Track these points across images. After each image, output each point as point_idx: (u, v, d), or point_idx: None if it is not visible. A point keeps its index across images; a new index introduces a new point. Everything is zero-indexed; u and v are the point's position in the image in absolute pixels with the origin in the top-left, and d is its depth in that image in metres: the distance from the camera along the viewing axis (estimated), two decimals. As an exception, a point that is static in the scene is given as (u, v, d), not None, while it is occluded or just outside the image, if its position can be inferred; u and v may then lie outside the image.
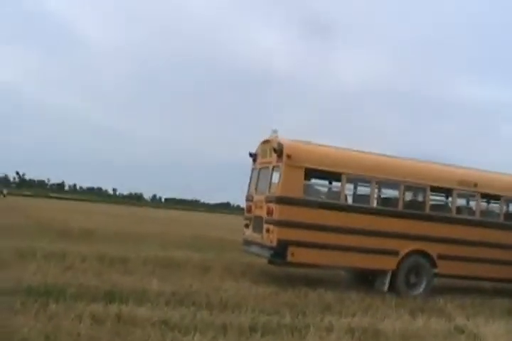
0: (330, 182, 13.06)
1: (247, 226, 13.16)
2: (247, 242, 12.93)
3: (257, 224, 12.34)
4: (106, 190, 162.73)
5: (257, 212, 12.43)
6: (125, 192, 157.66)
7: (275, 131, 12.31)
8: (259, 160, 13.17)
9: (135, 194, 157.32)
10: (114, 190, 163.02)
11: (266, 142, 12.72)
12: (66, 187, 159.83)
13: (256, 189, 13.07)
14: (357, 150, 12.60)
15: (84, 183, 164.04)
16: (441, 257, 12.30)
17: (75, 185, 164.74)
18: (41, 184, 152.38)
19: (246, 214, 13.35)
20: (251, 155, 13.51)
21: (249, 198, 13.30)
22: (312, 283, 11.32)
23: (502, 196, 13.49)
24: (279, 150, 11.57)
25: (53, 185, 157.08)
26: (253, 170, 13.47)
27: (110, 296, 8.02)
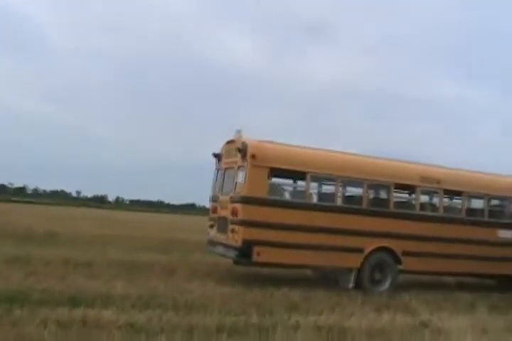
0: (295, 182, 13.14)
1: (211, 226, 13.18)
2: (212, 243, 12.94)
3: (221, 224, 12.36)
4: (69, 193, 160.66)
5: (222, 213, 12.45)
6: (89, 195, 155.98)
7: (239, 131, 12.36)
8: (223, 160, 13.20)
9: (99, 196, 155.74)
10: (78, 192, 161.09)
11: (230, 142, 12.76)
12: (29, 191, 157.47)
13: (221, 189, 13.09)
14: (321, 149, 12.70)
15: (47, 186, 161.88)
16: (405, 254, 12.49)
17: (37, 188, 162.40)
18: (2, 188, 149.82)
19: (211, 215, 13.36)
20: (215, 155, 13.54)
21: (214, 199, 13.31)
22: (278, 282, 11.37)
23: (464, 192, 13.75)
24: (243, 150, 11.60)
25: (15, 188, 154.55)
26: (218, 170, 13.49)
27: (75, 300, 7.97)
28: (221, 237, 12.27)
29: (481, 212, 14.11)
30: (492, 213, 14.14)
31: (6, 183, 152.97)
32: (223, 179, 13.11)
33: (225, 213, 12.12)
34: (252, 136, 12.16)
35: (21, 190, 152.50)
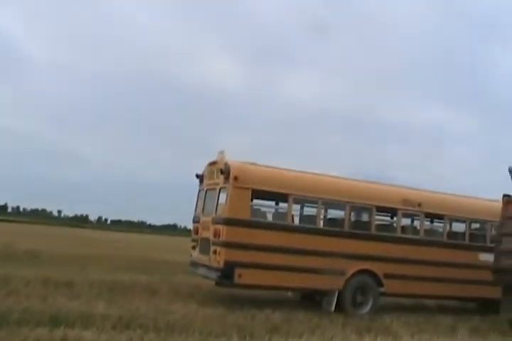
0: (277, 203, 13.18)
1: (194, 248, 13.18)
2: (195, 264, 12.93)
3: (204, 245, 12.37)
4: (51, 212, 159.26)
5: (204, 234, 12.46)
6: (70, 214, 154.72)
7: (222, 152, 12.44)
8: (206, 181, 13.24)
9: (80, 216, 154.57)
10: (59, 211, 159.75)
11: (213, 163, 12.83)
12: (9, 209, 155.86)
13: (203, 210, 13.10)
14: (303, 172, 12.77)
15: (28, 205, 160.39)
16: (387, 276, 12.55)
17: (18, 207, 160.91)
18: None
19: (193, 236, 13.37)
20: (197, 176, 13.59)
21: (196, 220, 13.34)
22: (260, 304, 11.40)
23: (445, 215, 13.90)
24: (226, 172, 11.65)
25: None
26: (200, 191, 13.53)
27: (55, 320, 7.94)
28: (203, 258, 12.25)
29: (461, 235, 14.23)
30: (473, 236, 14.26)
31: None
32: (205, 200, 13.11)
33: (207, 234, 12.13)
34: (234, 158, 12.22)
35: (2, 209, 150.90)
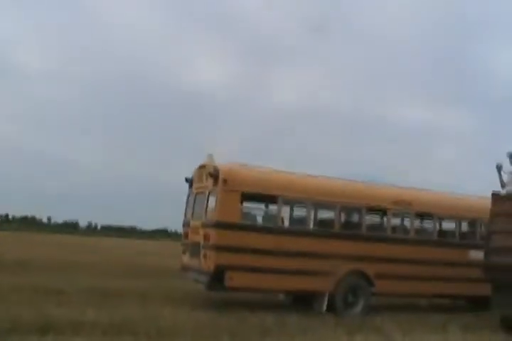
0: (266, 206, 13.23)
1: (184, 252, 13.20)
2: (185, 268, 12.97)
3: (194, 249, 12.39)
4: (40, 219, 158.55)
5: (194, 238, 12.48)
6: (60, 221, 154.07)
7: (211, 156, 12.46)
8: (195, 185, 13.27)
9: (70, 222, 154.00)
10: (49, 218, 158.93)
11: (202, 167, 12.86)
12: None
13: (192, 214, 13.13)
14: (292, 173, 12.86)
15: (17, 212, 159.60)
16: (378, 276, 12.62)
17: (7, 215, 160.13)
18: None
19: (183, 240, 13.41)
20: (187, 180, 13.62)
21: (185, 224, 13.36)
22: (252, 307, 11.36)
23: (435, 214, 13.99)
24: (214, 175, 11.71)
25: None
26: (189, 195, 13.56)
27: (45, 328, 7.93)
28: (194, 263, 12.29)
29: (452, 233, 14.32)
30: (463, 234, 14.37)
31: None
32: (194, 204, 13.16)
33: (197, 238, 12.16)
34: (223, 160, 12.32)
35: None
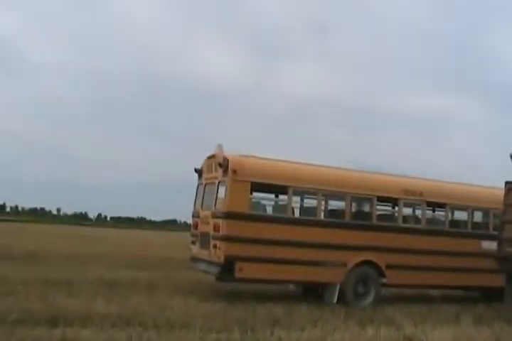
0: (276, 196, 13.24)
1: (194, 243, 13.21)
2: (195, 259, 12.99)
3: (203, 240, 12.42)
4: (50, 211, 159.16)
5: (204, 228, 12.49)
6: (69, 212, 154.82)
7: (220, 146, 12.44)
8: (204, 175, 13.28)
9: (80, 213, 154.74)
10: (58, 210, 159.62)
11: (211, 157, 12.85)
12: (8, 209, 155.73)
13: (202, 205, 13.13)
14: (302, 163, 12.83)
15: (27, 204, 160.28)
16: (389, 267, 12.60)
17: (17, 206, 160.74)
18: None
19: (193, 231, 13.41)
20: (196, 170, 13.62)
21: (195, 214, 13.37)
22: (261, 297, 11.43)
23: (447, 204, 13.90)
24: (224, 165, 11.70)
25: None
26: (199, 185, 13.56)
27: (54, 320, 7.96)
28: (203, 253, 12.30)
29: (464, 223, 14.26)
30: (475, 225, 14.30)
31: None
32: (204, 194, 13.15)
33: (207, 229, 12.18)
34: (232, 151, 12.25)
35: (0, 208, 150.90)
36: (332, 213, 13.11)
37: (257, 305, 10.49)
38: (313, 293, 13.10)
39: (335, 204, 13.59)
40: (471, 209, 14.30)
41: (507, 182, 12.87)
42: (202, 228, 12.72)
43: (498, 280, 12.77)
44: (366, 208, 13.35)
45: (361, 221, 12.79)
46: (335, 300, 12.09)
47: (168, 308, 9.65)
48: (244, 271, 11.31)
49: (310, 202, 13.14)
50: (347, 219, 12.57)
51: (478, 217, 14.78)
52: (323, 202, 12.92)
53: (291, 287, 14.15)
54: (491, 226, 14.26)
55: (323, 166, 13.10)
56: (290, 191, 12.12)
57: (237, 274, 11.28)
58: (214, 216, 11.96)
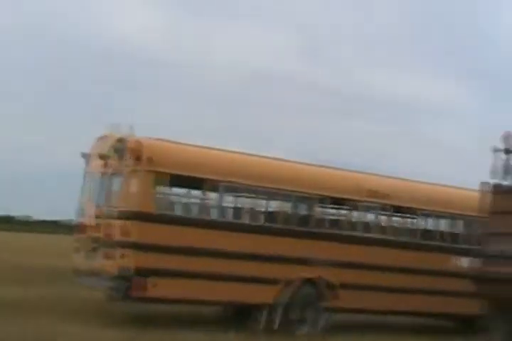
0: (196, 192, 13.63)
1: (78, 250, 13.50)
2: (81, 272, 13.27)
3: (94, 247, 12.79)
4: None
5: (94, 232, 12.85)
6: None
7: (131, 128, 12.54)
8: (96, 162, 13.40)
9: None
10: None
11: (105, 138, 13.28)
12: None
13: (92, 201, 13.43)
14: (233, 151, 13.50)
15: None
16: (335, 287, 13.31)
17: None
18: None
19: (78, 235, 13.69)
20: (84, 155, 13.93)
21: (82, 213, 13.71)
22: (180, 321, 12.06)
23: (420, 210, 14.90)
24: (135, 152, 12.04)
25: None
26: (87, 176, 13.90)
27: None
28: (94, 265, 12.63)
29: (440, 234, 15.28)
30: (453, 236, 15.30)
31: None
32: (99, 187, 13.38)
33: (99, 232, 12.61)
34: (146, 135, 12.65)
35: None
36: (268, 216, 13.70)
37: (174, 332, 10.92)
38: (245, 316, 13.47)
39: (272, 204, 14.13)
40: (449, 217, 15.29)
41: (495, 185, 13.30)
42: (91, 231, 12.95)
43: (477, 307, 13.25)
44: (313, 212, 13.89)
45: (304, 227, 13.41)
46: (261, 326, 12.70)
47: (62, 336, 9.84)
48: (159, 287, 11.78)
49: (241, 202, 13.78)
50: (285, 224, 13.25)
51: (458, 226, 15.75)
52: (257, 202, 13.62)
53: (218, 308, 14.54)
54: (473, 239, 14.70)
55: (260, 156, 13.77)
56: (216, 187, 12.66)
57: (150, 292, 11.76)
58: (110, 216, 12.36)
